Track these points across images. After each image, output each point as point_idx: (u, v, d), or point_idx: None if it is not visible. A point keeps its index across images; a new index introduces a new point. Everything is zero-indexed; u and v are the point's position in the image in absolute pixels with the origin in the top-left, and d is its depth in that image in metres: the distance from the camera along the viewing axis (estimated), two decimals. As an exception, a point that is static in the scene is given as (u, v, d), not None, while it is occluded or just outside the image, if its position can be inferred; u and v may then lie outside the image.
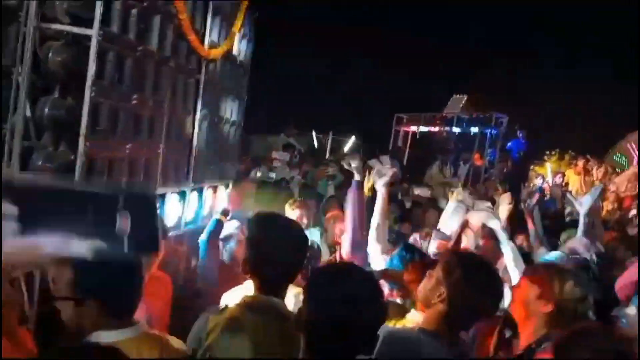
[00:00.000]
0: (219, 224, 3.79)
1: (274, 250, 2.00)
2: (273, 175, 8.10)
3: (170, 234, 4.22)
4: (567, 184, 10.62)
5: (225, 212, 3.93)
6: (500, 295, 2.12)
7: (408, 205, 7.02)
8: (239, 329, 1.86)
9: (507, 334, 2.48)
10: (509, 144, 13.03)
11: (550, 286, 2.31)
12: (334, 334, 1.57)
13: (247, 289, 2.40)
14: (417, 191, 8.33)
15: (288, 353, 1.79)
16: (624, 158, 12.41)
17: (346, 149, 11.73)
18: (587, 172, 11.26)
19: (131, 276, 1.74)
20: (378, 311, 1.63)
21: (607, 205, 9.92)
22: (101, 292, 1.67)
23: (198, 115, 4.59)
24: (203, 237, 3.74)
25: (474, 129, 13.46)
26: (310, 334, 1.62)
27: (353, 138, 11.77)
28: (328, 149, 11.66)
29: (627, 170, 11.55)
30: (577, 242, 4.04)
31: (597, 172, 11.31)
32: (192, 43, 4.22)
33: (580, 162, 11.38)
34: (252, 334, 1.85)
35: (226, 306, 2.02)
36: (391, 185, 3.34)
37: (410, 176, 9.96)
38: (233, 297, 2.50)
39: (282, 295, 2.04)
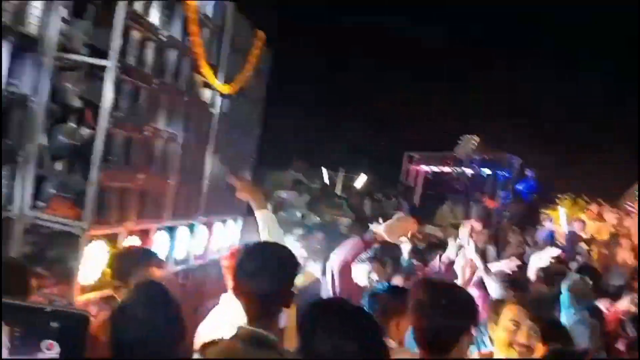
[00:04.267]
0: None
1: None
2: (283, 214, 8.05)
3: (178, 268, 4.17)
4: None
5: None
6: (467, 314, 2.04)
7: (421, 246, 6.85)
8: None
9: None
10: (518, 185, 12.84)
11: None
12: None
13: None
14: (428, 231, 8.19)
15: None
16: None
17: (357, 185, 11.66)
18: (601, 217, 10.93)
19: None
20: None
21: (621, 253, 9.37)
22: None
23: (211, 149, 4.60)
24: None
25: (486, 170, 13.39)
26: None
27: (363, 175, 11.71)
28: (340, 186, 11.59)
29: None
30: None
31: (612, 218, 10.92)
32: (206, 77, 4.26)
33: (595, 208, 11.06)
34: None
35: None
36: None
37: (422, 216, 9.83)
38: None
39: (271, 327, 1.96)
